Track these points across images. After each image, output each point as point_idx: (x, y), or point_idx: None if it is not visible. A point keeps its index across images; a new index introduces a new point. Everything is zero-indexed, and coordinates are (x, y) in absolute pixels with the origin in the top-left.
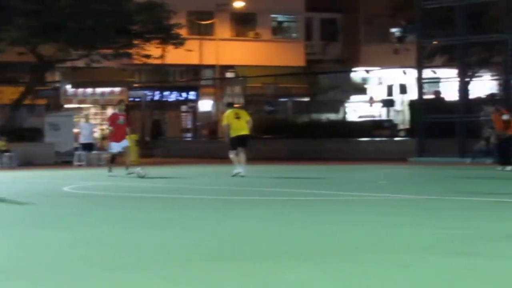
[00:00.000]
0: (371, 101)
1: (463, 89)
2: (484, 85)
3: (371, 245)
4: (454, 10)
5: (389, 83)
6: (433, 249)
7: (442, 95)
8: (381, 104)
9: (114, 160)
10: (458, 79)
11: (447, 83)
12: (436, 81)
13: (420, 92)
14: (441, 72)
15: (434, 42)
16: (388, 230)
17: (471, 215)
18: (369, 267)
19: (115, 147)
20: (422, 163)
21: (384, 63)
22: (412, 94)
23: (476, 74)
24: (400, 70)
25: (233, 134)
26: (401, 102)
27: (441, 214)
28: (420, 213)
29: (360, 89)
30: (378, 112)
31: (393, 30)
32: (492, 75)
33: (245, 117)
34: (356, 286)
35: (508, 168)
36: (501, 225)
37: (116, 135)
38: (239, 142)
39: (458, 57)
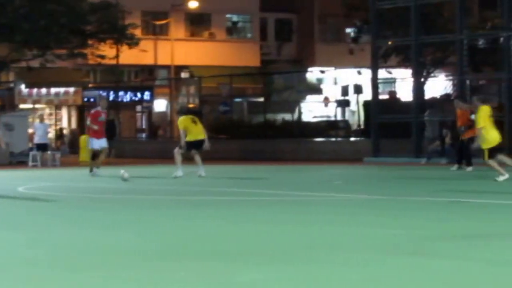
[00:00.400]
0: (326, 101)
1: (418, 89)
2: (439, 85)
3: (327, 245)
4: (409, 10)
5: (344, 83)
6: (388, 249)
7: (397, 95)
8: (336, 104)
9: (96, 157)
10: (413, 79)
11: (402, 83)
12: (391, 81)
13: (375, 92)
14: (396, 72)
15: (389, 42)
16: (344, 230)
17: (426, 215)
18: (325, 267)
19: (96, 143)
20: (377, 164)
21: (339, 63)
22: (367, 94)
23: (431, 74)
24: (355, 70)
25: (192, 138)
26: (356, 102)
27: (396, 214)
28: (375, 213)
29: (315, 89)
30: (333, 112)
31: (348, 30)
32: (447, 75)
33: (200, 123)
34: (312, 286)
35: (469, 169)
36: (456, 225)
37: (97, 132)
38: (196, 145)
39: (412, 57)
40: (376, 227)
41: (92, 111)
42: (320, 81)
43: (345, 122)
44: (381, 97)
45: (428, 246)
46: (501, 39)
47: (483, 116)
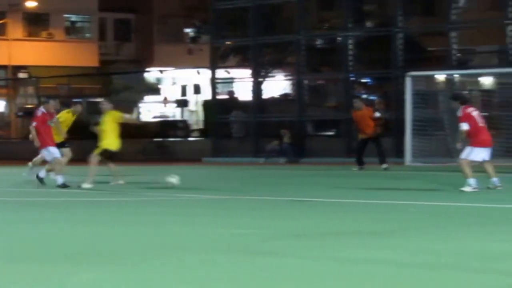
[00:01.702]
0: (165, 101)
1: (257, 89)
2: (277, 85)
3: (164, 246)
4: (248, 10)
5: (183, 83)
6: (226, 248)
7: (236, 95)
8: (175, 105)
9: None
10: (252, 79)
11: (241, 83)
12: (230, 81)
13: (214, 92)
14: (235, 72)
15: (228, 43)
16: (181, 230)
17: (265, 214)
18: (162, 268)
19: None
20: (216, 163)
21: (178, 64)
22: (206, 94)
23: (270, 75)
24: (194, 71)
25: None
26: (195, 102)
27: (235, 214)
28: (214, 213)
29: (154, 89)
30: (172, 112)
31: (187, 30)
32: (286, 75)
33: None
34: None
35: (355, 168)
36: (294, 224)
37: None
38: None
39: (251, 58)
40: (219, 227)
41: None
42: (159, 81)
43: (184, 122)
44: (220, 97)
45: (272, 245)
46: (339, 39)
47: (109, 120)
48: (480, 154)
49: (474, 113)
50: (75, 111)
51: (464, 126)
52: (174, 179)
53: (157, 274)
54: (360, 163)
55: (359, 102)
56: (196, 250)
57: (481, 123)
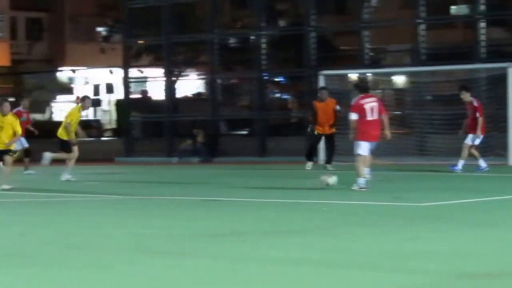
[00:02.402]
0: (78, 100)
1: (170, 88)
2: (191, 84)
3: (75, 247)
4: (161, 9)
5: (96, 83)
6: (138, 249)
7: (149, 95)
8: None
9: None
10: (165, 78)
11: (155, 83)
12: (143, 80)
13: (127, 91)
14: (148, 72)
15: (140, 42)
16: (92, 231)
17: (178, 215)
18: (73, 269)
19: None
20: (129, 163)
21: (91, 63)
22: (119, 93)
23: (183, 74)
24: (107, 70)
25: None
26: (108, 101)
27: (147, 214)
28: (126, 214)
29: (66, 89)
30: (85, 112)
31: (100, 29)
32: (199, 74)
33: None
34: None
35: (308, 166)
36: (207, 224)
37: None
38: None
39: (164, 57)
40: (127, 227)
41: (14, 110)
42: (71, 80)
43: (97, 122)
44: (133, 96)
45: (178, 245)
46: (252, 38)
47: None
48: (367, 147)
49: (368, 105)
50: (84, 106)
51: (352, 116)
52: (330, 179)
53: (63, 276)
54: (310, 158)
55: (325, 92)
56: (106, 251)
57: (371, 117)
